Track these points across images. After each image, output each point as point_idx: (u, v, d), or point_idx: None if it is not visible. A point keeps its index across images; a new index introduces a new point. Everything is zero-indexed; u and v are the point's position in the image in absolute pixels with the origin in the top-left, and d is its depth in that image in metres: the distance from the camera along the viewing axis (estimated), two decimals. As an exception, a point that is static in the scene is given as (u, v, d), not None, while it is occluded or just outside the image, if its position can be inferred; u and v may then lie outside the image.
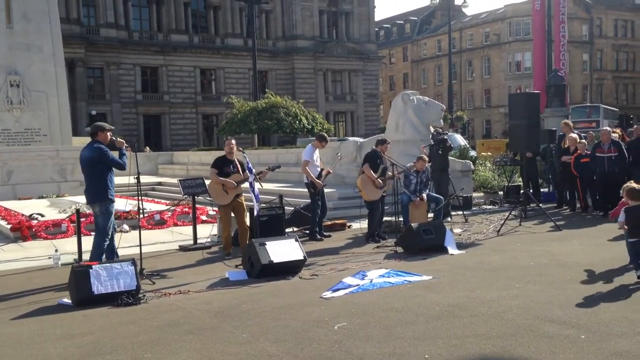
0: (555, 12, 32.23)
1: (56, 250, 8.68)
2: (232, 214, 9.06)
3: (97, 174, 7.38)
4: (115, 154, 7.50)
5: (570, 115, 26.37)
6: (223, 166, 9.06)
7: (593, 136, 14.28)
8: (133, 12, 50.98)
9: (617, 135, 13.02)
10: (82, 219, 9.63)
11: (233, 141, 9.31)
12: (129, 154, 7.69)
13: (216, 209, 10.07)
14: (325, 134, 11.23)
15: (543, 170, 15.29)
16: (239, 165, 9.14)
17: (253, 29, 34.66)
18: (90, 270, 6.35)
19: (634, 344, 4.62)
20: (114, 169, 7.47)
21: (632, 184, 6.93)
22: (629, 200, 6.77)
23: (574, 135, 13.13)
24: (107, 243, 7.53)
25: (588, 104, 42.32)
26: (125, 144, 7.62)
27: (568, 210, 13.03)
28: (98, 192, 7.42)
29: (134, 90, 49.92)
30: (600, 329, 4.96)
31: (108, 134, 7.55)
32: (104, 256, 7.45)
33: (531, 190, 12.82)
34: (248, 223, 8.99)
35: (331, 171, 10.63)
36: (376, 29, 67.16)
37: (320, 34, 57.72)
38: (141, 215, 8.37)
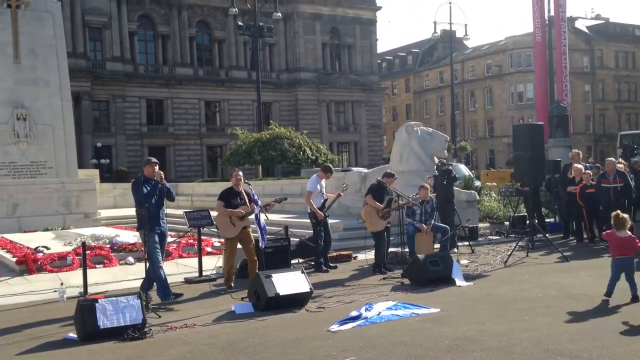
0: (557, 44, 32.53)
1: (61, 284, 8.64)
2: (239, 246, 9.03)
3: (135, 205, 8.10)
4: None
5: None
6: (230, 198, 8.99)
7: (599, 169, 14.29)
8: (139, 46, 51.70)
9: (622, 166, 13.04)
10: (88, 252, 9.61)
11: (240, 173, 9.22)
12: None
13: (222, 240, 10.03)
14: (331, 165, 11.25)
15: (548, 200, 15.24)
16: (246, 197, 9.09)
17: (257, 61, 35.03)
18: (96, 304, 6.32)
19: (648, 378, 4.55)
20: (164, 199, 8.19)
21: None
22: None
23: (579, 166, 13.15)
24: (160, 271, 7.98)
25: None
26: (162, 176, 8.16)
27: (575, 241, 12.96)
28: (138, 221, 8.17)
29: (139, 123, 50.35)
30: (612, 363, 4.90)
31: (148, 167, 8.11)
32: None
33: (536, 221, 12.77)
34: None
35: (342, 194, 10.68)
36: (378, 61, 67.87)
37: (323, 66, 58.34)
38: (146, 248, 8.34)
